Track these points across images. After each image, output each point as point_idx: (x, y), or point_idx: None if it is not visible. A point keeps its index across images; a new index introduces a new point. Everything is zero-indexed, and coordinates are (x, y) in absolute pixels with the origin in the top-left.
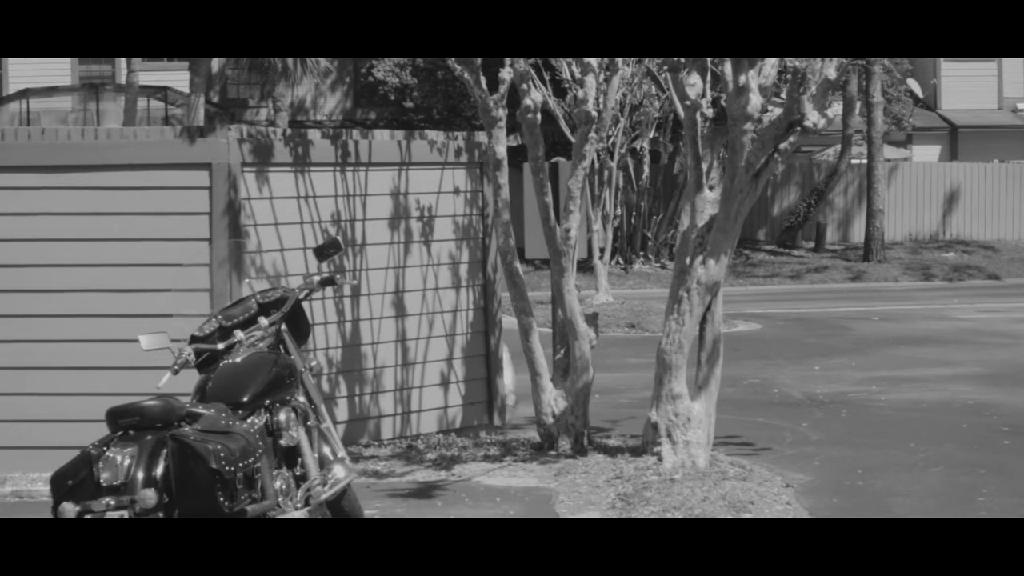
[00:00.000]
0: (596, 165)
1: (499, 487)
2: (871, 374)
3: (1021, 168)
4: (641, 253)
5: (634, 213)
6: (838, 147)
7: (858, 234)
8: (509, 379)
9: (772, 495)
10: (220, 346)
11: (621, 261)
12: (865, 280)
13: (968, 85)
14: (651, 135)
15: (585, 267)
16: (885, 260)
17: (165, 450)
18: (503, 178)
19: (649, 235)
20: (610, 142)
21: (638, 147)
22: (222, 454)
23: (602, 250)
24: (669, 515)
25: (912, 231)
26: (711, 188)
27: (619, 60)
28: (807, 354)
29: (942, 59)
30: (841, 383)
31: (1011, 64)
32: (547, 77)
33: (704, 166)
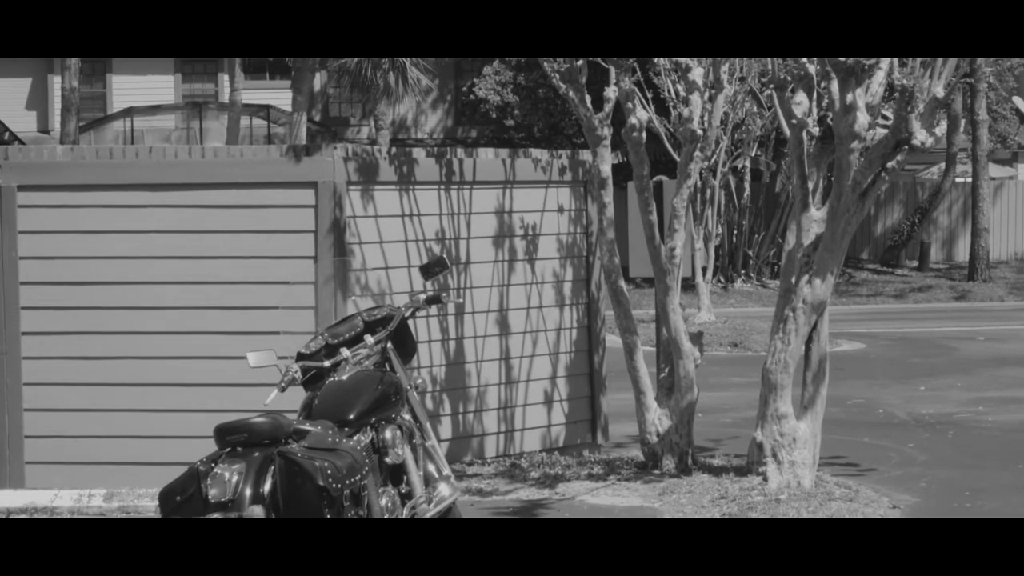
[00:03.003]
0: (698, 183)
1: (603, 506)
2: (977, 394)
3: None
4: (742, 271)
5: (735, 231)
6: (942, 165)
7: (962, 253)
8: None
9: (878, 517)
10: (327, 364)
11: (722, 280)
12: (970, 299)
13: None
14: (753, 153)
15: (687, 285)
16: (990, 279)
17: (272, 467)
18: (608, 196)
19: (751, 253)
20: (712, 160)
21: (740, 165)
22: (329, 471)
23: (704, 269)
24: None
25: (1018, 250)
26: (817, 207)
27: (724, 79)
28: (912, 374)
29: None
30: (947, 403)
31: None
32: (650, 96)
33: (810, 185)
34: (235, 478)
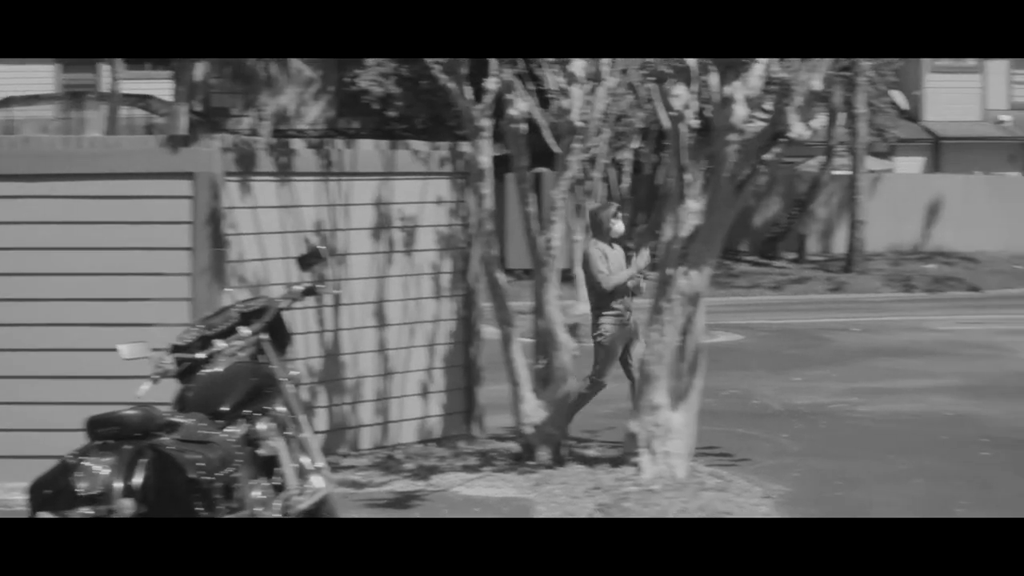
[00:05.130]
0: (579, 175)
1: (477, 497)
2: (851, 385)
3: (1003, 180)
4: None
5: None
6: (821, 158)
7: (840, 245)
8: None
9: (751, 506)
10: (201, 355)
11: None
12: (846, 291)
13: (951, 96)
14: (635, 146)
15: (567, 277)
16: (866, 271)
17: (144, 460)
18: (486, 188)
19: (631, 246)
20: (593, 152)
21: (621, 158)
22: (200, 464)
23: None
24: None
25: (894, 242)
26: (695, 199)
27: (605, 71)
28: (787, 365)
29: (926, 71)
30: (821, 394)
31: (994, 75)
32: (532, 88)
33: (688, 177)
34: (105, 471)
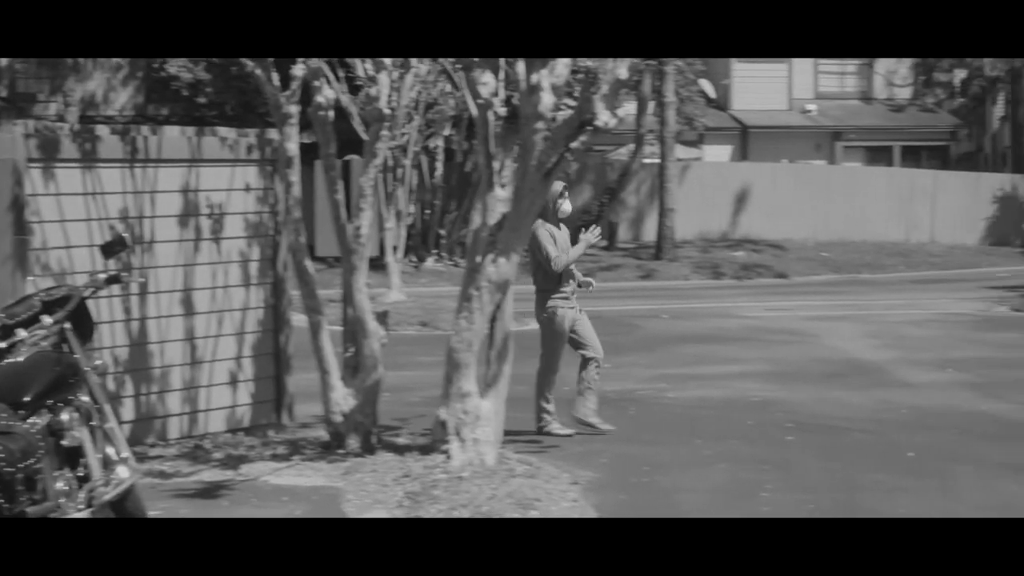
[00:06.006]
0: (390, 163)
1: (286, 486)
2: (660, 371)
3: (809, 168)
4: (435, 251)
5: (428, 211)
6: (631, 146)
7: (650, 233)
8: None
9: (559, 492)
10: (2, 345)
11: (415, 259)
12: (656, 278)
13: (759, 86)
14: (446, 133)
15: (378, 265)
16: (676, 259)
17: None
18: (294, 175)
19: (443, 233)
20: (404, 139)
21: (432, 145)
22: (1, 454)
23: (395, 248)
24: (456, 513)
25: (703, 230)
26: (503, 187)
27: (413, 59)
28: None
29: (734, 60)
30: (630, 380)
31: (800, 66)
32: (342, 74)
33: (496, 164)
34: None
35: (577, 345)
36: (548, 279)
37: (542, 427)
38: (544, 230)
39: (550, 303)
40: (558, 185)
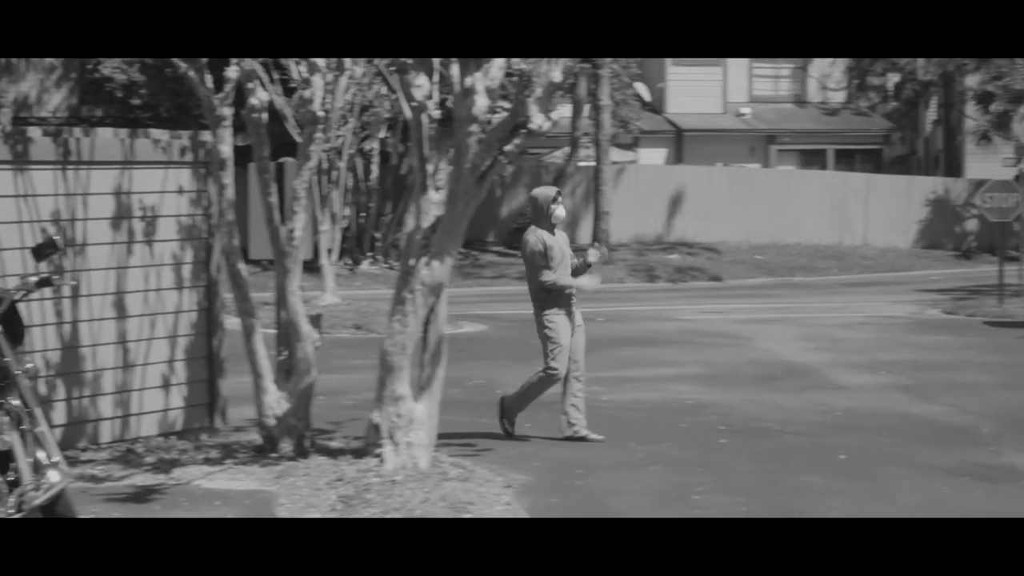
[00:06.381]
0: (325, 165)
1: (219, 490)
2: (594, 374)
3: (744, 171)
4: (370, 254)
5: (363, 214)
6: (566, 149)
7: (585, 235)
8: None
9: (492, 496)
10: None
11: (350, 262)
12: None
13: (694, 89)
14: (381, 135)
15: (312, 268)
16: (611, 261)
17: None
18: (228, 178)
19: (378, 236)
20: (339, 142)
21: (368, 147)
22: None
23: (330, 251)
24: (389, 516)
25: (638, 232)
26: (437, 189)
27: (347, 61)
28: (532, 355)
29: (669, 64)
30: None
31: (735, 69)
32: (276, 77)
33: (430, 168)
34: None
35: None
36: (541, 289)
37: (575, 433)
38: (535, 237)
39: (546, 314)
40: (551, 190)
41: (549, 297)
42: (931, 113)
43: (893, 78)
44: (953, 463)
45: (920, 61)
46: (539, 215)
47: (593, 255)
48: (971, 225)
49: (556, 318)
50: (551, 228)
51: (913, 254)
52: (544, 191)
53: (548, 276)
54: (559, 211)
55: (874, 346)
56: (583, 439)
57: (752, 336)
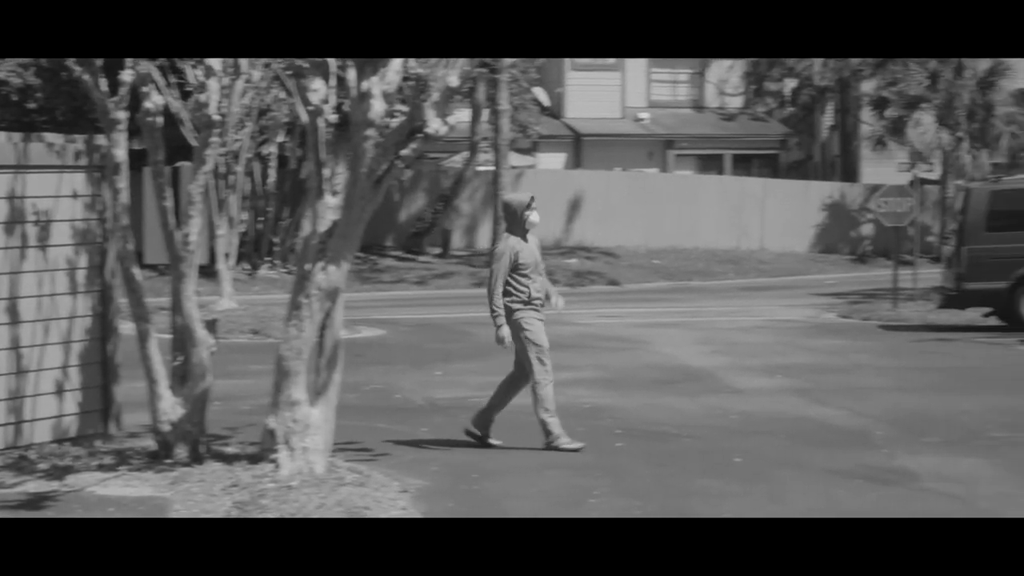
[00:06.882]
0: (222, 170)
1: (113, 497)
2: (492, 379)
3: (642, 176)
4: (268, 259)
5: (261, 218)
6: (465, 154)
7: (484, 240)
8: None
9: (388, 500)
10: None
11: (248, 267)
12: None
13: (592, 94)
14: (280, 140)
15: (210, 273)
16: None
17: None
18: (122, 182)
19: (276, 240)
20: (237, 146)
21: (266, 152)
22: None
23: (227, 255)
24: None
25: (537, 237)
26: (334, 194)
27: (244, 64)
28: (430, 359)
29: (568, 68)
30: (462, 388)
31: (633, 74)
32: (173, 80)
33: (327, 172)
34: None
35: (522, 366)
36: (512, 291)
37: (550, 442)
38: (507, 245)
39: (516, 315)
40: (525, 196)
41: (518, 301)
42: (827, 118)
43: (790, 83)
44: (847, 466)
45: (817, 67)
46: (514, 222)
47: (558, 304)
48: (866, 229)
49: (532, 322)
50: (524, 234)
51: (809, 258)
52: (518, 197)
53: (496, 302)
54: (533, 217)
55: (770, 350)
56: (558, 448)
57: (649, 340)
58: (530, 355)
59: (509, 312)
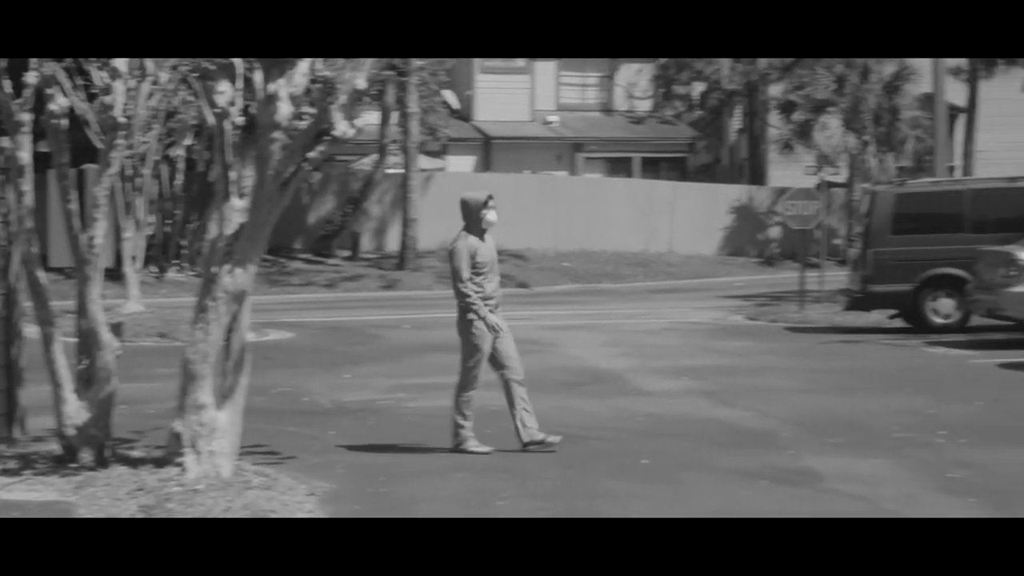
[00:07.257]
0: (129, 172)
1: (17, 502)
2: (400, 381)
3: (551, 179)
4: (176, 262)
5: (168, 221)
6: (374, 156)
7: (393, 243)
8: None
9: (295, 503)
10: None
11: (156, 270)
12: (399, 288)
13: (502, 97)
14: (187, 142)
15: (117, 276)
16: (419, 269)
17: None
18: (27, 184)
19: (184, 243)
20: (143, 149)
21: (173, 154)
22: None
23: (134, 258)
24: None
25: (446, 240)
26: (241, 196)
27: (151, 66)
28: (338, 362)
29: (477, 71)
30: (370, 391)
31: (543, 77)
32: (79, 82)
33: (233, 174)
34: None
35: (497, 365)
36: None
37: (458, 444)
38: (464, 244)
39: (470, 314)
40: (482, 194)
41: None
42: (735, 122)
43: (698, 87)
44: (753, 467)
45: (725, 70)
46: (470, 220)
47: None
48: (774, 232)
49: (482, 324)
50: (482, 234)
51: (718, 261)
52: (475, 195)
53: (468, 290)
54: (491, 216)
55: (678, 352)
56: (541, 443)
57: (558, 342)
58: (465, 358)
59: (463, 311)
